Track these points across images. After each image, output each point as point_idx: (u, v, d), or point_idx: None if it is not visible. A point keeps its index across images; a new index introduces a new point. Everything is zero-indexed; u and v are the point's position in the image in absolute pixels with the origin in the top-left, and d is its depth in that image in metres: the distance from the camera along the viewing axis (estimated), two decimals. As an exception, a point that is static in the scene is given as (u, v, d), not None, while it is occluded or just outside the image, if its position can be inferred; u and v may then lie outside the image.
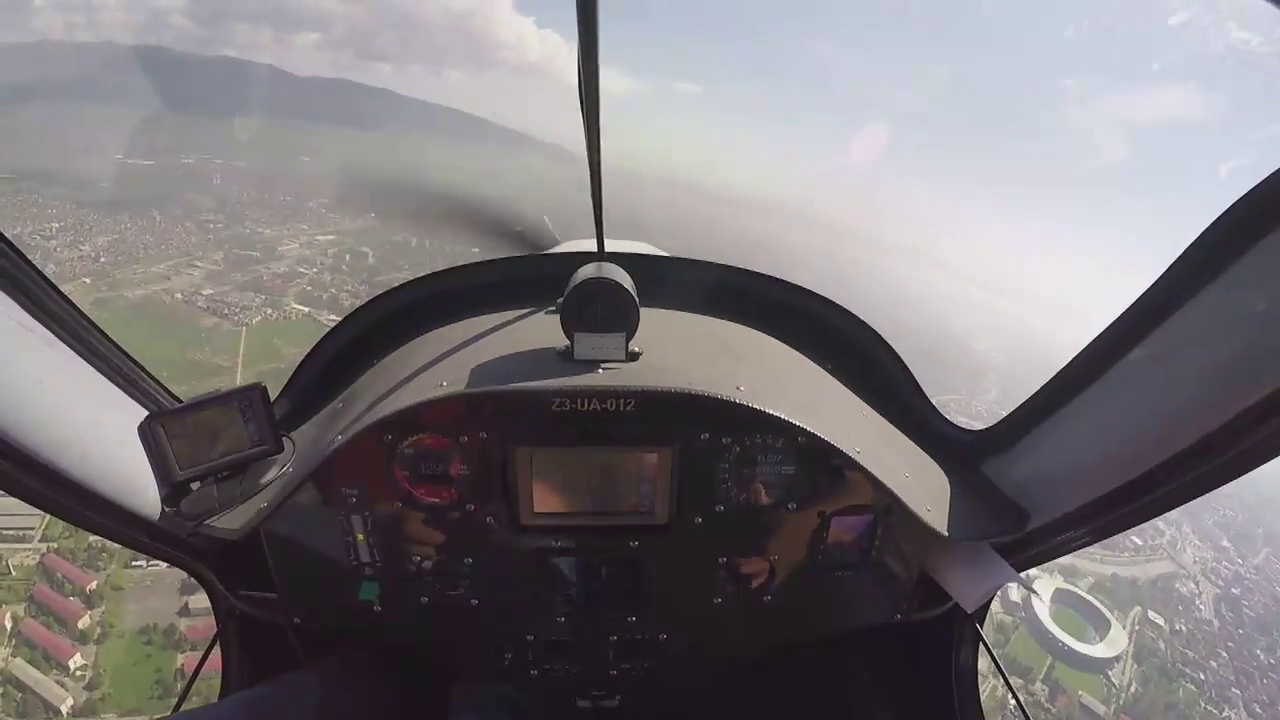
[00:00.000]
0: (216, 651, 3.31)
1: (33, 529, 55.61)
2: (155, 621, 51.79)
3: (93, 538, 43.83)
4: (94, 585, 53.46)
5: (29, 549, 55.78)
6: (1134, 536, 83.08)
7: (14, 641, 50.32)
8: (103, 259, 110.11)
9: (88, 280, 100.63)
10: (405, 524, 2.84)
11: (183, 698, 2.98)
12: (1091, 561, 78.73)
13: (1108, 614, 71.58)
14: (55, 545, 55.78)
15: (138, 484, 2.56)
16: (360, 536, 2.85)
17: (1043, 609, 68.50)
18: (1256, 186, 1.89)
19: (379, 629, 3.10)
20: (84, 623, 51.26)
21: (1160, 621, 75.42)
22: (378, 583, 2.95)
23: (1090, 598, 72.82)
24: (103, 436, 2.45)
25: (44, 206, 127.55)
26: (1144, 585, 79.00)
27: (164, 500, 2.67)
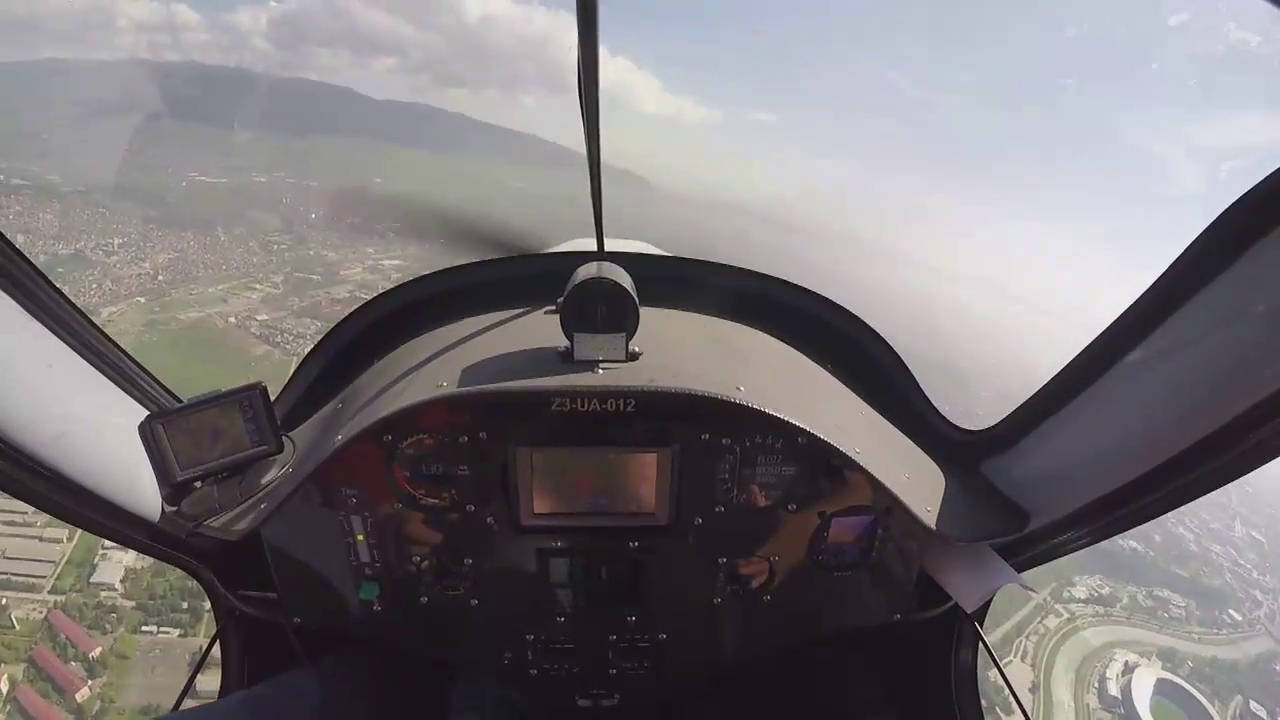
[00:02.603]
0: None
1: (44, 577, 51.46)
2: (159, 700, 43.02)
3: (103, 595, 40.66)
4: (98, 652, 47.92)
5: (37, 600, 50.58)
6: (1232, 610, 77.53)
7: (8, 708, 45.00)
8: (160, 277, 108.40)
9: (142, 300, 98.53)
10: (405, 524, 2.87)
11: (182, 698, 3.08)
12: (1190, 642, 72.66)
13: (1209, 706, 65.80)
14: (64, 599, 50.49)
15: (138, 484, 2.60)
16: (360, 537, 2.88)
17: (1143, 704, 63.35)
18: (1256, 186, 1.91)
19: (379, 629, 3.12)
20: (83, 694, 45.72)
21: (1262, 713, 68.69)
22: (378, 583, 2.98)
23: (1190, 688, 66.81)
24: (103, 436, 2.50)
25: (110, 221, 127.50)
26: (1244, 669, 72.43)
27: (164, 500, 2.70)
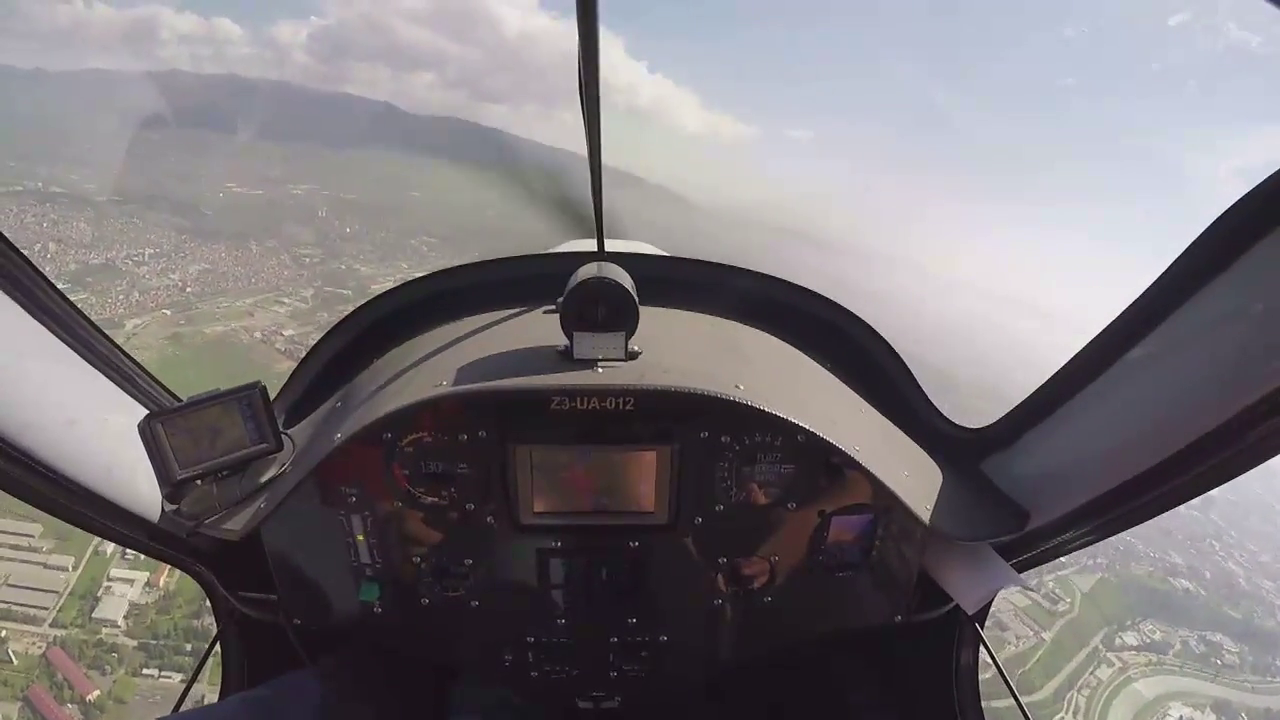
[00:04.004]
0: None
1: (46, 609, 48.14)
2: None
3: (104, 632, 38.04)
4: (95, 695, 44.50)
5: (37, 634, 47.42)
6: (1285, 654, 74.00)
7: (-1, 755, 42.44)
8: (189, 289, 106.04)
9: (168, 312, 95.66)
10: (405, 523, 2.88)
11: (183, 698, 3.09)
12: (1244, 692, 68.16)
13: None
14: (64, 634, 47.17)
15: (137, 484, 2.61)
16: (360, 536, 2.90)
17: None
18: (1256, 186, 1.94)
19: (379, 630, 3.14)
20: (77, 741, 42.49)
21: (1317, 773, 67.62)
22: (378, 584, 2.99)
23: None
24: (103, 436, 2.51)
25: (144, 230, 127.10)
26: (1299, 721, 70.45)
27: (164, 499, 2.72)
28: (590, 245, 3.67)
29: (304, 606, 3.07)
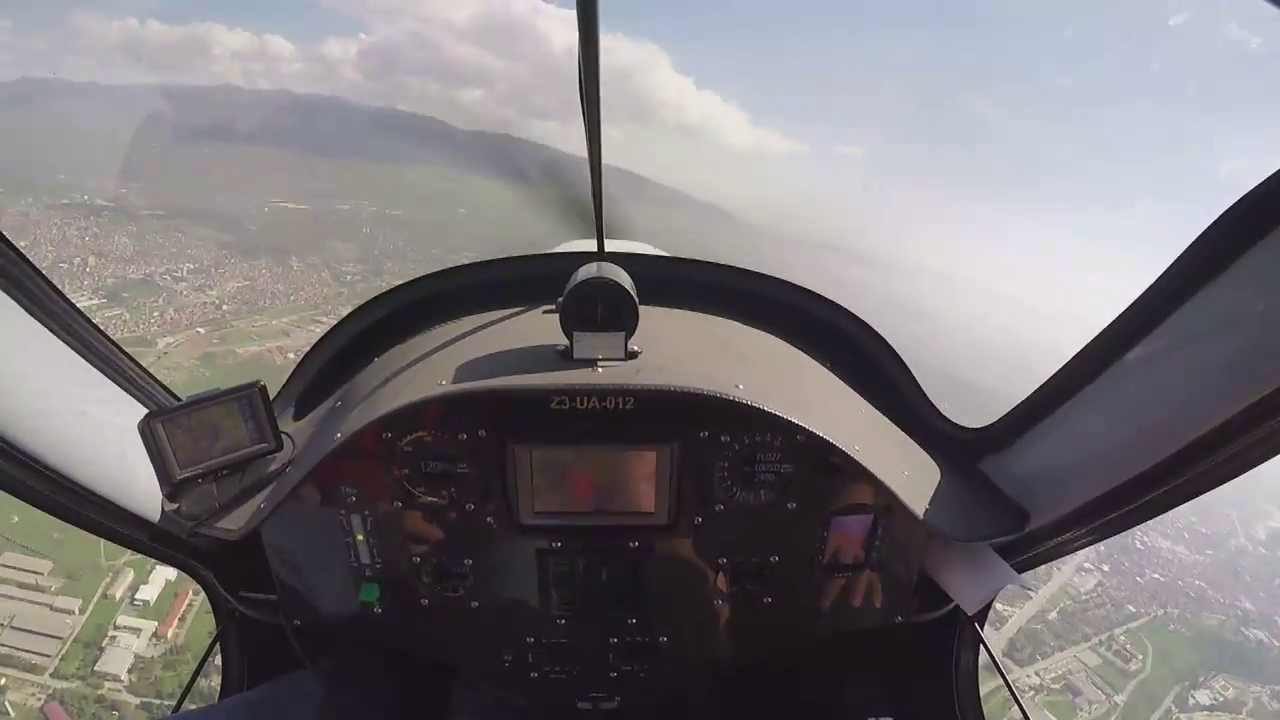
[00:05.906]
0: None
1: (49, 656, 44.76)
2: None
3: (106, 687, 35.11)
4: None
5: (37, 684, 44.00)
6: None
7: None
8: (225, 307, 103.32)
9: (202, 330, 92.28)
10: (405, 524, 2.88)
11: (183, 698, 3.08)
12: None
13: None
14: (65, 686, 43.65)
15: (137, 484, 2.62)
16: (360, 537, 2.89)
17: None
18: (1256, 186, 1.94)
19: (379, 631, 3.13)
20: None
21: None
22: (378, 584, 2.98)
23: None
24: (103, 436, 2.51)
25: (185, 245, 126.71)
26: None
27: (164, 499, 2.72)
28: (590, 245, 3.61)
29: (304, 607, 3.05)
